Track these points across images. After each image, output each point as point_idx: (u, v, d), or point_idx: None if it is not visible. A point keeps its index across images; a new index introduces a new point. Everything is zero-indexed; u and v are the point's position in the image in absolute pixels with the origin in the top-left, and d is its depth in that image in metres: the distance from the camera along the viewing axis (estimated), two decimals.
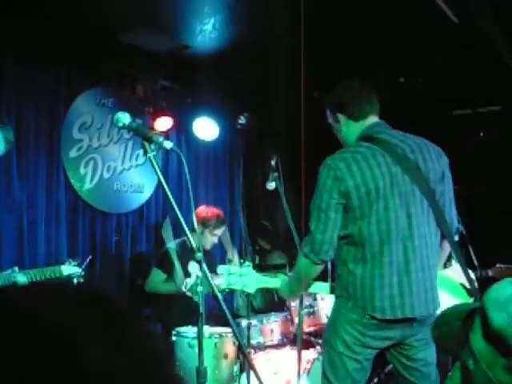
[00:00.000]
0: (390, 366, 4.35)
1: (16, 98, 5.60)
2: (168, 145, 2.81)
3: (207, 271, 2.64)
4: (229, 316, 2.65)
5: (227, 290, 3.98)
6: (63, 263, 4.50)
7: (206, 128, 7.24)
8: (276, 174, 4.73)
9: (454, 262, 4.17)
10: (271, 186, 4.74)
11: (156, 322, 6.19)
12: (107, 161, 6.60)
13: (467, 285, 3.61)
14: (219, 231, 6.11)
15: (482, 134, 8.02)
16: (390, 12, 5.35)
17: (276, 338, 5.48)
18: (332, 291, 3.74)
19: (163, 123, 6.88)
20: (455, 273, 3.85)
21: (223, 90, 7.16)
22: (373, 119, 3.63)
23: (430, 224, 3.51)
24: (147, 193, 6.98)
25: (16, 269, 3.78)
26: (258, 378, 2.96)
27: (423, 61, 6.42)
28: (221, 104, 7.33)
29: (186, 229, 2.69)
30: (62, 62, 5.90)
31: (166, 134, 7.04)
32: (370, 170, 3.38)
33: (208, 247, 6.08)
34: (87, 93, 6.37)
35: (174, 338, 5.01)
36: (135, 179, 6.87)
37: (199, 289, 2.68)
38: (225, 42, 6.20)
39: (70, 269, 4.41)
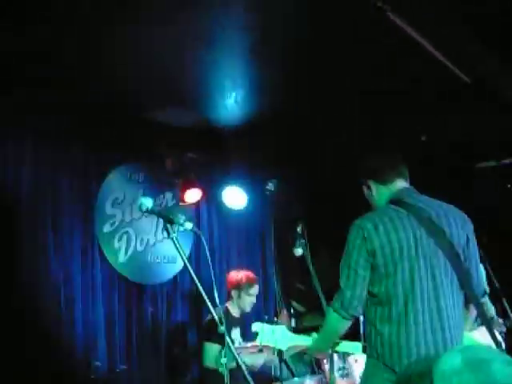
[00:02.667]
0: None
1: (51, 174, 5.85)
2: (189, 226, 2.95)
3: (231, 343, 2.74)
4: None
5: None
6: None
7: (235, 196, 7.39)
8: (302, 240, 4.84)
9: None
10: (298, 252, 4.86)
11: None
12: (140, 234, 6.77)
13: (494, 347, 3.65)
14: (254, 290, 6.22)
15: (509, 186, 8.02)
16: (405, 79, 5.51)
17: None
18: (364, 350, 3.82)
19: (193, 195, 7.05)
20: (483, 335, 3.88)
21: (250, 158, 7.32)
22: (401, 184, 3.80)
23: (454, 286, 3.59)
24: (180, 263, 7.09)
25: None
26: None
27: (442, 117, 6.52)
28: (249, 173, 7.48)
29: (209, 304, 2.80)
30: (92, 138, 6.11)
31: (197, 205, 7.21)
32: (395, 231, 3.53)
33: (248, 309, 6.18)
34: (118, 169, 6.58)
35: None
36: (168, 250, 7.00)
37: (223, 360, 2.77)
38: (248, 114, 6.37)
39: None
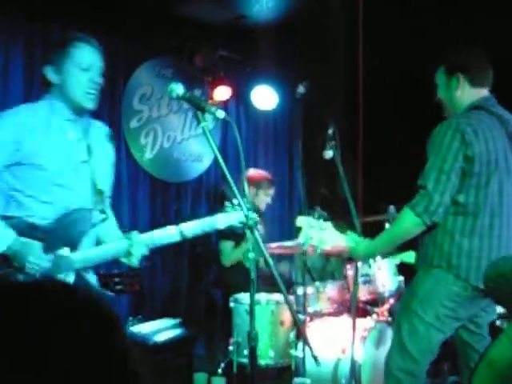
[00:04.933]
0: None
1: None
2: (220, 114, 2.83)
3: (259, 238, 2.67)
4: (280, 284, 2.68)
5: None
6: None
7: (264, 97, 7.25)
8: (333, 142, 4.72)
9: None
10: (328, 154, 4.74)
11: (216, 288, 6.30)
12: (167, 131, 6.70)
13: None
14: (272, 191, 6.16)
15: None
16: None
17: (333, 305, 5.50)
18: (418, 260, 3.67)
19: (222, 93, 6.92)
20: None
21: (282, 58, 7.15)
22: (486, 91, 3.63)
23: None
24: (206, 162, 7.07)
25: None
26: (310, 347, 3.00)
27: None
28: (279, 73, 7.32)
29: (241, 200, 2.73)
30: (121, 34, 5.98)
31: (225, 104, 7.09)
32: (493, 140, 3.39)
33: (263, 207, 6.13)
34: (146, 64, 6.46)
35: (231, 305, 5.09)
36: (194, 149, 6.96)
37: (250, 255, 2.72)
38: (282, 11, 6.19)
39: None
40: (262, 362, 4.83)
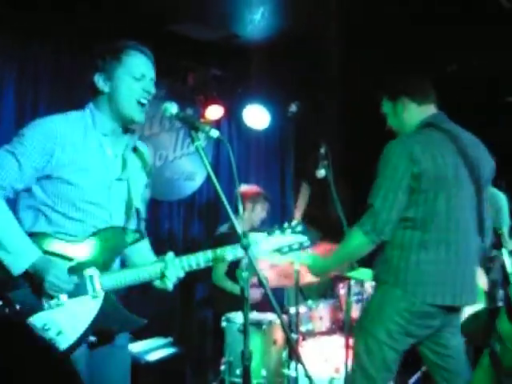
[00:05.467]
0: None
1: (68, 86, 5.70)
2: (215, 133, 2.83)
3: (253, 257, 2.67)
4: (274, 302, 2.67)
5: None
6: None
7: (256, 116, 7.28)
8: (325, 161, 4.74)
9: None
10: (321, 173, 4.75)
11: (207, 308, 6.28)
12: (159, 149, 6.70)
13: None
14: (267, 206, 6.15)
15: None
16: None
17: (325, 324, 5.50)
18: (374, 278, 3.65)
19: (214, 112, 6.95)
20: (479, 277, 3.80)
21: (274, 78, 7.18)
22: (433, 109, 3.66)
23: (475, 221, 3.53)
24: (199, 180, 7.07)
25: None
26: (303, 366, 2.99)
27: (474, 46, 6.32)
28: (271, 92, 7.35)
29: (233, 216, 2.73)
30: None
31: (217, 123, 7.11)
32: (441, 156, 3.39)
33: (258, 222, 6.12)
34: None
35: (223, 324, 5.07)
36: (187, 167, 6.96)
37: (244, 274, 2.71)
38: (275, 31, 6.22)
39: None
40: (255, 381, 4.81)
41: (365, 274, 4.05)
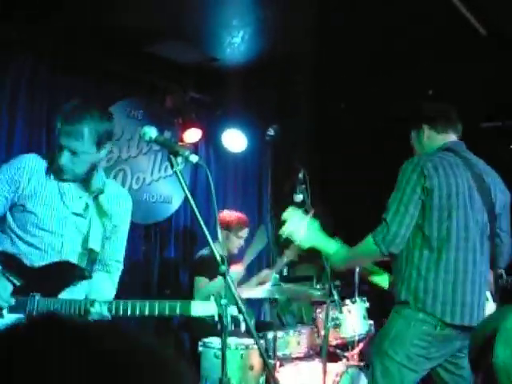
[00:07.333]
0: None
1: (46, 107, 5.66)
2: (194, 158, 2.82)
3: (231, 284, 2.65)
4: (252, 328, 2.65)
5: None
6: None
7: (234, 140, 7.28)
8: (303, 186, 4.74)
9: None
10: (299, 198, 4.74)
11: (184, 332, 6.22)
12: (136, 172, 6.66)
13: None
14: (244, 233, 6.14)
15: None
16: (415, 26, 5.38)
17: (303, 350, 5.46)
18: (389, 287, 3.77)
19: (192, 135, 6.92)
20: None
21: (252, 101, 7.19)
22: (454, 137, 3.78)
23: (486, 248, 3.61)
24: (176, 203, 7.03)
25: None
26: None
27: (450, 72, 6.38)
28: (250, 116, 7.36)
29: (211, 241, 2.71)
30: (92, 73, 5.96)
31: (195, 146, 7.09)
32: (454, 176, 3.48)
33: (235, 251, 6.11)
34: (117, 105, 6.42)
35: (200, 349, 5.02)
36: (164, 190, 6.92)
37: (223, 301, 2.69)
38: (254, 55, 6.23)
39: None
40: None
41: (382, 279, 4.09)
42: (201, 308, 2.93)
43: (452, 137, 3.77)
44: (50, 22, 5.18)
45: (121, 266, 3.58)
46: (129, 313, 2.99)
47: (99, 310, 3.01)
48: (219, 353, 4.69)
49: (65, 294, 3.17)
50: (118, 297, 5.85)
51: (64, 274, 3.21)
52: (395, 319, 3.56)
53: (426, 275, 3.44)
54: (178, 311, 2.91)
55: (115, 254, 3.50)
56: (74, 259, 3.29)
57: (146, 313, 2.98)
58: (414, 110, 3.96)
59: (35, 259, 3.20)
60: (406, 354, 3.43)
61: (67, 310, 3.03)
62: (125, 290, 6.29)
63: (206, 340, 5.08)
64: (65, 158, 3.16)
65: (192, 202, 2.72)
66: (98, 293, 3.34)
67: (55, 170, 3.25)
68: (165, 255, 6.95)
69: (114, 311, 3.02)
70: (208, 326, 5.37)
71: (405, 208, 3.41)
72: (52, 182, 3.28)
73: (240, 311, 2.63)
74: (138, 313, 2.98)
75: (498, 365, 1.41)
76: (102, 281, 3.45)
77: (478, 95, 6.80)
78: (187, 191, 2.77)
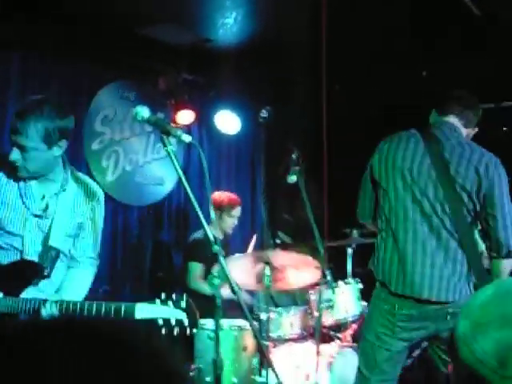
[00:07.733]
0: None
1: (40, 89, 5.62)
2: (187, 138, 2.80)
3: (225, 264, 2.64)
4: (246, 309, 2.65)
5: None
6: None
7: (227, 121, 7.24)
8: (297, 167, 4.73)
9: None
10: (292, 179, 4.75)
11: None
12: (129, 153, 6.64)
13: None
14: (236, 211, 6.19)
15: (505, 129, 7.89)
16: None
17: (296, 331, 5.45)
18: None
19: (185, 116, 6.90)
20: None
21: (245, 83, 7.16)
22: (450, 119, 3.76)
23: (445, 225, 3.57)
24: (169, 185, 7.01)
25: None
26: (275, 372, 2.97)
27: (444, 54, 6.35)
28: (243, 97, 7.32)
29: (204, 222, 2.70)
30: (85, 55, 5.93)
31: (188, 128, 7.05)
32: (395, 150, 3.68)
33: (229, 230, 6.16)
34: (110, 86, 6.40)
35: (193, 330, 5.02)
36: (157, 172, 6.90)
37: (216, 281, 2.69)
38: (247, 36, 6.20)
39: None
40: None
41: None
42: (146, 311, 2.93)
43: (446, 119, 3.76)
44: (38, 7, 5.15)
45: (96, 262, 3.54)
46: (77, 313, 2.99)
47: (49, 311, 2.99)
48: (212, 334, 4.70)
49: (27, 293, 3.15)
50: (111, 279, 5.89)
51: (24, 273, 3.23)
52: (371, 300, 3.82)
53: (378, 247, 3.70)
54: (122, 314, 2.88)
55: (86, 251, 3.46)
56: (35, 258, 3.28)
57: (93, 313, 2.96)
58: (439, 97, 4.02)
59: (2, 259, 3.24)
60: (374, 333, 3.63)
61: (22, 309, 3.03)
62: (118, 272, 6.36)
63: (199, 321, 5.08)
64: (15, 155, 3.12)
65: (185, 182, 2.71)
66: (69, 290, 3.36)
67: (9, 168, 3.22)
68: (158, 237, 6.94)
69: (64, 311, 3.01)
70: (201, 308, 5.39)
71: (364, 181, 3.84)
72: (12, 183, 3.27)
73: (234, 292, 2.63)
74: (85, 313, 2.96)
75: (459, 335, 1.44)
76: (73, 278, 3.45)
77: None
78: (180, 171, 2.75)
